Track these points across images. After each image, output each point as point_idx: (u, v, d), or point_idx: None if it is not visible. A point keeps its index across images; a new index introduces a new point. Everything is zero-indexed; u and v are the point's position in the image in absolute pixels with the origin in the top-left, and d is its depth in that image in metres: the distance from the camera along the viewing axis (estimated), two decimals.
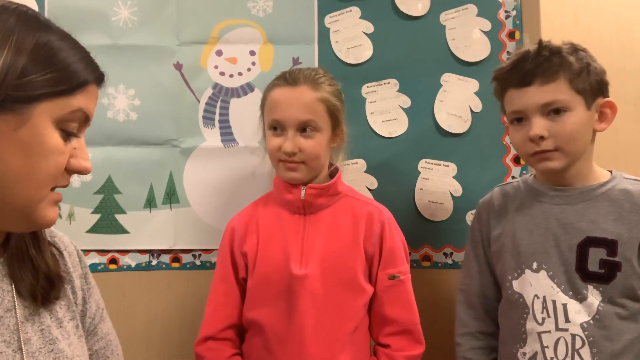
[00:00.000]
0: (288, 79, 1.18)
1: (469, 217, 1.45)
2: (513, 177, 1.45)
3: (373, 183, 1.46)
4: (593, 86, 1.04)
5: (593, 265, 1.03)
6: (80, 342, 0.74)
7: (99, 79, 0.68)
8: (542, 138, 1.03)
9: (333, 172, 1.23)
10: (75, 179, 1.40)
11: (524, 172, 1.45)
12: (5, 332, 0.65)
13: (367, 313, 1.19)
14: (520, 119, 1.07)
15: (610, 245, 1.03)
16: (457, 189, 1.46)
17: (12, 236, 0.70)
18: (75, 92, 0.64)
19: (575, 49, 1.06)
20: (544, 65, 1.03)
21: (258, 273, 1.16)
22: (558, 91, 1.02)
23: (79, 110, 0.65)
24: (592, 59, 1.06)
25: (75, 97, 0.64)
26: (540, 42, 1.06)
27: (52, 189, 0.65)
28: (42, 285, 0.70)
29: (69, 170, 0.65)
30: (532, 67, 1.04)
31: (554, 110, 1.03)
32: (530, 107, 1.04)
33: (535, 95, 1.03)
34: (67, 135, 0.64)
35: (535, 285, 1.07)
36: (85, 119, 0.67)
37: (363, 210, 1.19)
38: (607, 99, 1.07)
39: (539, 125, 1.03)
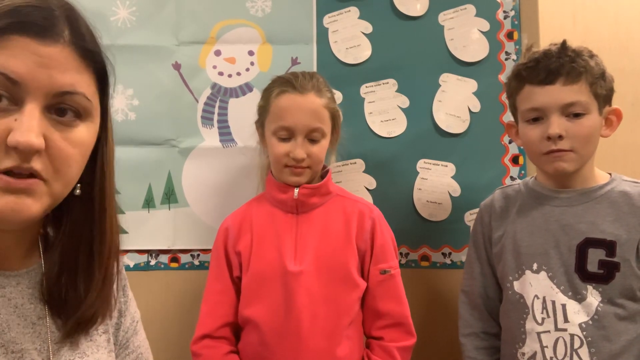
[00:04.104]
0: (296, 85, 1.18)
1: (468, 217, 1.45)
2: (511, 177, 1.46)
3: (372, 183, 1.46)
4: (607, 93, 1.06)
5: (592, 266, 1.04)
6: (109, 357, 0.69)
7: (20, 27, 0.53)
8: (560, 137, 1.03)
9: (324, 173, 1.26)
10: None
11: (522, 172, 1.46)
12: (37, 340, 0.62)
13: (361, 309, 1.21)
14: (536, 117, 1.07)
15: (609, 246, 1.04)
16: (456, 189, 1.46)
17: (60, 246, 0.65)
18: None
19: (592, 54, 1.06)
20: (568, 66, 1.03)
21: (253, 271, 1.18)
22: (580, 93, 1.03)
23: None
24: (604, 66, 1.07)
25: None
26: (564, 42, 1.06)
27: None
28: (84, 316, 0.65)
29: (10, 148, 0.53)
30: (557, 65, 1.03)
31: (573, 113, 1.03)
32: (551, 106, 1.04)
33: (558, 94, 1.03)
34: None
35: (535, 286, 1.08)
36: (10, 81, 0.53)
37: (354, 209, 1.22)
38: (614, 106, 1.08)
39: (558, 124, 1.03)
